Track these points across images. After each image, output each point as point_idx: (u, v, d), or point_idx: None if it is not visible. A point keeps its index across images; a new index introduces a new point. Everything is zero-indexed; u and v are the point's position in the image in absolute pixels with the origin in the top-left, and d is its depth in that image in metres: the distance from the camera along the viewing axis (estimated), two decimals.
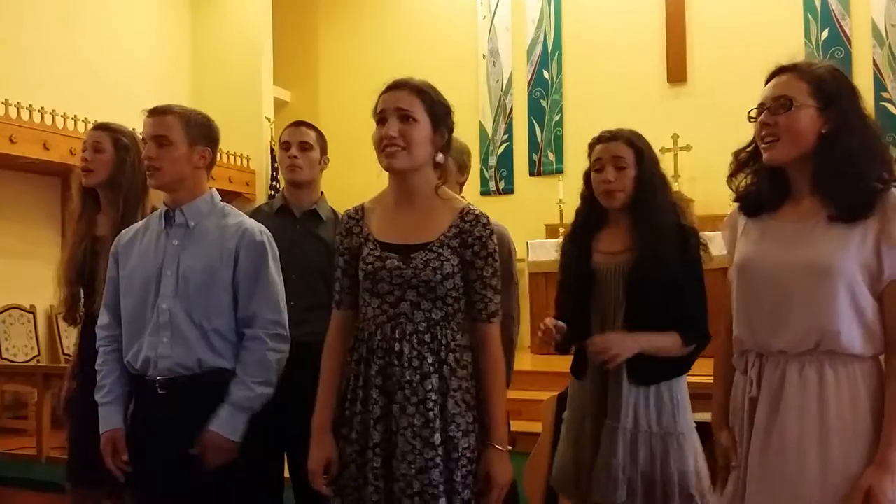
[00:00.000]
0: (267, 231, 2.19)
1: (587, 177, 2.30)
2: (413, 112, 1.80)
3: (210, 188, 2.21)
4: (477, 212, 1.86)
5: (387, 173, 1.88)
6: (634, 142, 2.24)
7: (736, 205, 1.85)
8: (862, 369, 1.62)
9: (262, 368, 2.07)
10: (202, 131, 2.16)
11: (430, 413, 1.75)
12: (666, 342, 2.12)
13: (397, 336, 1.79)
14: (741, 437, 1.74)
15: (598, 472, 2.16)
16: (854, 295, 1.59)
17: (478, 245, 1.82)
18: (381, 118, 1.83)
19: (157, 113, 2.12)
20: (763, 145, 1.68)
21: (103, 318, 2.23)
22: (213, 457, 2.01)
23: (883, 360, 1.64)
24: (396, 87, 1.84)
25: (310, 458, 1.86)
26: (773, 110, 1.66)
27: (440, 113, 1.85)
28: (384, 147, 1.79)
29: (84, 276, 2.59)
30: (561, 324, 2.18)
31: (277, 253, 2.19)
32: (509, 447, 1.83)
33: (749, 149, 1.79)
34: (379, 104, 1.84)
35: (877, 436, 1.58)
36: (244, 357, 2.08)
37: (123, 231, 2.29)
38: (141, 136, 2.15)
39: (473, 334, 1.85)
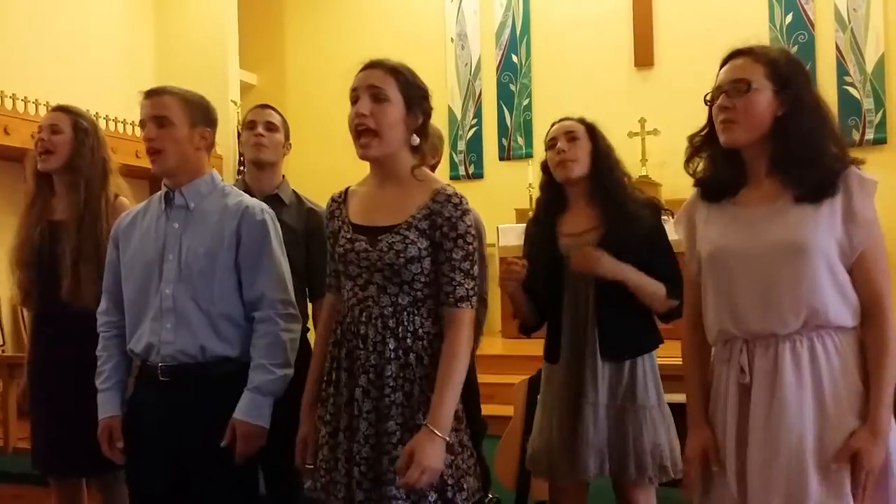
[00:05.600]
0: (269, 209, 2.15)
1: (544, 165, 2.36)
2: (385, 91, 1.77)
3: (211, 169, 2.16)
4: (450, 192, 1.80)
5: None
6: (585, 120, 2.32)
7: (692, 195, 1.85)
8: (848, 338, 1.67)
9: (277, 350, 2.04)
10: (201, 112, 2.10)
11: (387, 399, 1.74)
12: (652, 285, 2.18)
13: (363, 319, 1.78)
14: (725, 427, 1.73)
15: (570, 449, 2.20)
16: (833, 269, 1.64)
17: (447, 226, 1.76)
18: (354, 97, 1.80)
19: (153, 94, 2.05)
20: (720, 128, 1.69)
21: (103, 304, 2.20)
22: (244, 445, 1.98)
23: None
24: (371, 66, 1.81)
25: (298, 435, 1.91)
26: (730, 93, 1.67)
27: (415, 95, 1.81)
28: (356, 127, 1.76)
29: (43, 261, 2.54)
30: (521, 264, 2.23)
31: (280, 230, 2.15)
32: (447, 438, 1.70)
33: (703, 132, 1.80)
34: (353, 83, 1.81)
35: (867, 399, 1.64)
36: (257, 341, 2.04)
37: (123, 214, 2.23)
38: (139, 120, 2.07)
39: (442, 319, 1.81)
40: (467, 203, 1.81)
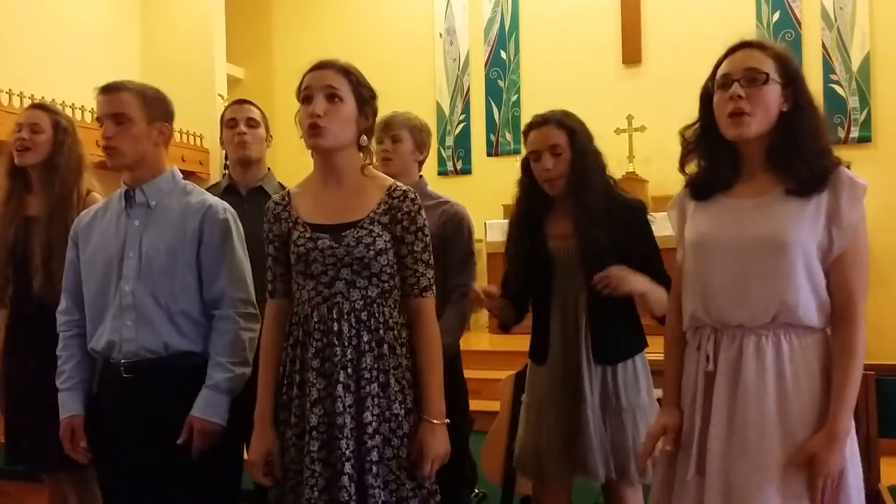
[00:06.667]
0: (231, 208, 2.15)
1: (525, 164, 2.31)
2: (340, 91, 1.81)
3: (171, 166, 2.16)
4: (404, 188, 1.87)
5: (309, 154, 1.89)
6: (565, 123, 2.23)
7: (682, 190, 1.86)
8: (814, 340, 1.67)
9: (236, 349, 2.05)
10: (159, 106, 2.10)
11: (363, 392, 1.77)
12: (658, 291, 2.13)
13: (335, 316, 1.79)
14: (693, 413, 1.76)
15: (572, 452, 2.19)
16: (809, 268, 1.64)
17: (407, 220, 1.83)
18: (306, 96, 1.82)
19: (111, 90, 2.04)
20: (730, 121, 1.68)
21: (62, 303, 2.18)
22: (201, 442, 2.00)
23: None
24: (323, 66, 1.84)
25: (250, 450, 1.88)
26: (745, 83, 1.67)
27: (365, 95, 1.86)
28: (309, 126, 1.79)
29: (17, 257, 2.53)
30: (492, 288, 2.23)
31: (242, 231, 2.15)
32: (447, 420, 1.85)
33: (697, 126, 1.80)
34: (304, 82, 1.85)
35: (828, 404, 1.63)
36: (216, 339, 2.05)
37: (83, 213, 2.23)
38: (96, 116, 2.08)
39: (407, 310, 1.86)
40: (451, 201, 1.89)
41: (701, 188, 1.79)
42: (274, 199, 1.97)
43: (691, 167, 1.83)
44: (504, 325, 2.41)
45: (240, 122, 2.72)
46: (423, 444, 1.80)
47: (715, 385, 1.70)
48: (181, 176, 2.19)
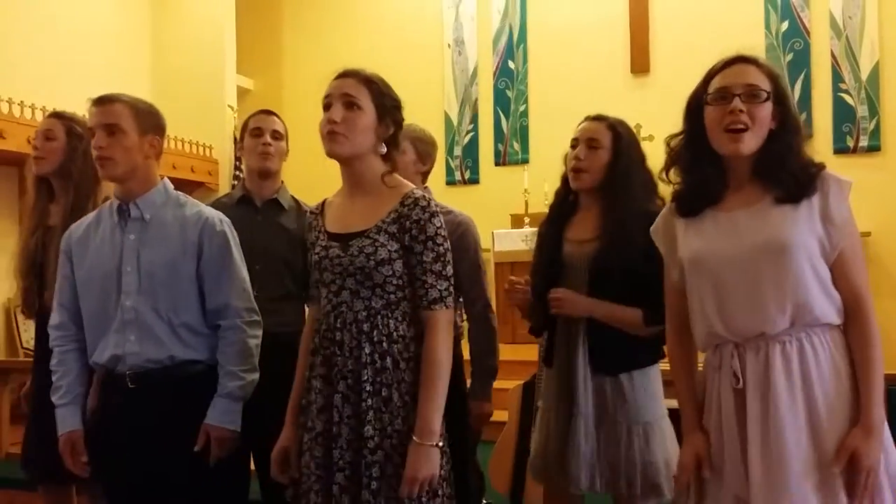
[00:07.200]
0: (226, 219, 2.17)
1: (566, 157, 2.31)
2: (358, 99, 1.80)
3: (162, 177, 2.17)
4: (417, 195, 1.82)
5: (334, 163, 1.89)
6: (615, 126, 2.23)
7: (667, 207, 1.86)
8: (835, 336, 1.68)
9: (245, 356, 2.09)
10: (151, 120, 2.11)
11: (363, 405, 1.75)
12: (625, 315, 2.13)
13: (339, 325, 1.80)
14: (720, 433, 1.73)
15: (563, 460, 2.18)
16: (815, 267, 1.65)
17: (416, 229, 1.78)
18: (326, 104, 1.83)
19: (104, 101, 2.06)
20: (728, 135, 1.68)
21: (56, 318, 2.17)
22: (218, 449, 2.02)
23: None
24: (345, 75, 1.85)
25: (276, 446, 1.92)
26: (746, 98, 1.68)
27: (387, 105, 1.85)
28: (327, 133, 1.79)
29: (37, 267, 2.55)
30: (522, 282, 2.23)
31: (238, 240, 2.18)
32: (438, 443, 1.75)
33: (680, 136, 1.81)
34: (326, 90, 1.85)
35: (857, 397, 1.65)
36: (225, 349, 2.08)
37: (73, 226, 2.22)
38: (88, 128, 2.09)
39: (419, 322, 1.82)
40: (436, 205, 1.84)
41: (690, 203, 1.78)
42: (311, 208, 2.00)
43: (672, 175, 1.84)
44: (533, 330, 2.40)
45: (265, 132, 2.74)
46: (406, 464, 1.72)
47: (746, 401, 1.67)
48: (173, 187, 2.20)
